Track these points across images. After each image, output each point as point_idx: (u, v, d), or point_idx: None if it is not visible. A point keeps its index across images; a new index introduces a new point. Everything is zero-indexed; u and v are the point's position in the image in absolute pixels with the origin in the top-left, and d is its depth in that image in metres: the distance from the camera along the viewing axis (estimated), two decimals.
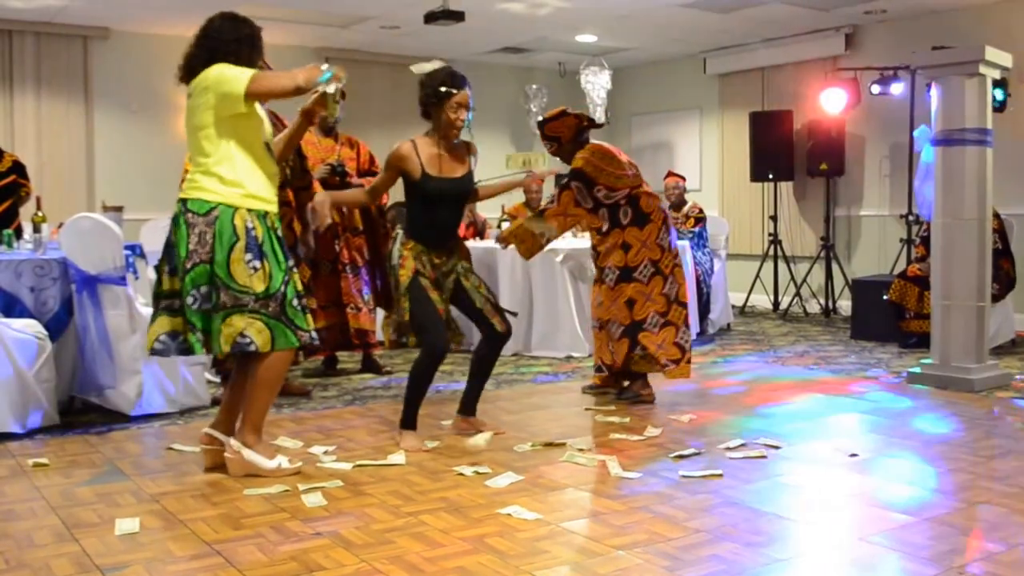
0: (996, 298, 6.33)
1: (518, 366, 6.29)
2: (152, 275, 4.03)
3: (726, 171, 10.13)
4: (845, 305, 8.51)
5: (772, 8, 8.02)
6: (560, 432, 4.38)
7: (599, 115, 9.61)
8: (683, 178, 8.14)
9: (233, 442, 3.64)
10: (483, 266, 6.40)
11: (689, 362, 4.95)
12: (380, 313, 5.95)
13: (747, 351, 6.89)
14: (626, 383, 5.11)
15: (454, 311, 4.27)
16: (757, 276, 9.23)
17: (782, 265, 9.21)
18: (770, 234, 9.18)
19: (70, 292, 4.67)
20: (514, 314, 4.42)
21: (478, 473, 3.67)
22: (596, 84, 9.92)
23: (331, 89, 3.53)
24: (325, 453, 4.00)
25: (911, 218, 7.98)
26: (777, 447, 4.06)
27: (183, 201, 3.54)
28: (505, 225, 7.63)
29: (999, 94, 6.94)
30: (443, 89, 4.02)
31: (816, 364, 6.27)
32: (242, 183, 3.52)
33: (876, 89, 8.17)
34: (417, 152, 4.06)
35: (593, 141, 4.97)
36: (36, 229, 5.25)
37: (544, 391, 5.44)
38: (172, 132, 8.35)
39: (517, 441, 4.18)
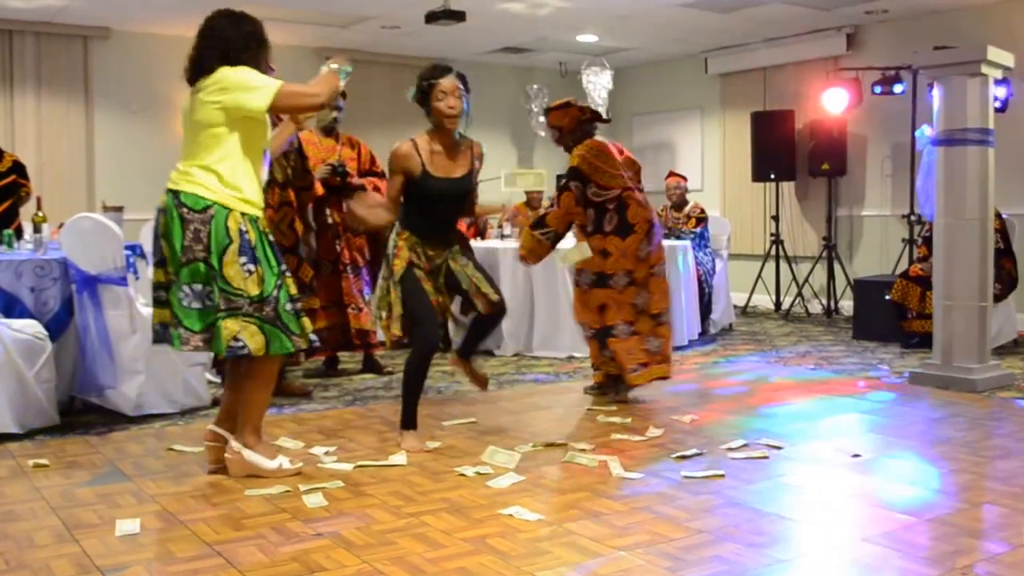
0: (998, 298, 6.32)
1: (519, 366, 6.28)
2: (152, 275, 4.02)
3: (728, 171, 10.12)
4: (847, 305, 8.50)
5: (773, 8, 8.01)
6: (562, 432, 4.37)
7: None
8: (685, 178, 8.14)
9: (234, 443, 3.63)
10: (484, 266, 6.38)
11: (663, 363, 4.95)
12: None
13: (749, 351, 6.88)
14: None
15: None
16: (759, 276, 9.22)
17: (784, 265, 9.20)
18: (772, 234, 9.17)
19: (70, 292, 4.66)
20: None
21: (479, 474, 3.66)
22: (597, 84, 9.92)
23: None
24: (326, 454, 3.99)
25: (913, 218, 7.97)
26: (779, 447, 4.05)
27: (175, 193, 3.46)
28: (502, 224, 7.70)
29: (1001, 93, 6.93)
30: (426, 82, 4.02)
31: (818, 364, 6.26)
32: (240, 187, 3.49)
33: (878, 89, 8.16)
34: (417, 150, 4.06)
35: (595, 138, 4.98)
36: (36, 229, 5.25)
37: (545, 391, 5.43)
38: (172, 132, 8.35)
39: (519, 442, 4.17)
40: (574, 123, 4.98)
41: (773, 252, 9.14)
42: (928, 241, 6.55)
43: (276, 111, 3.58)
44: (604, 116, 5.17)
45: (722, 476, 3.61)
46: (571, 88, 10.34)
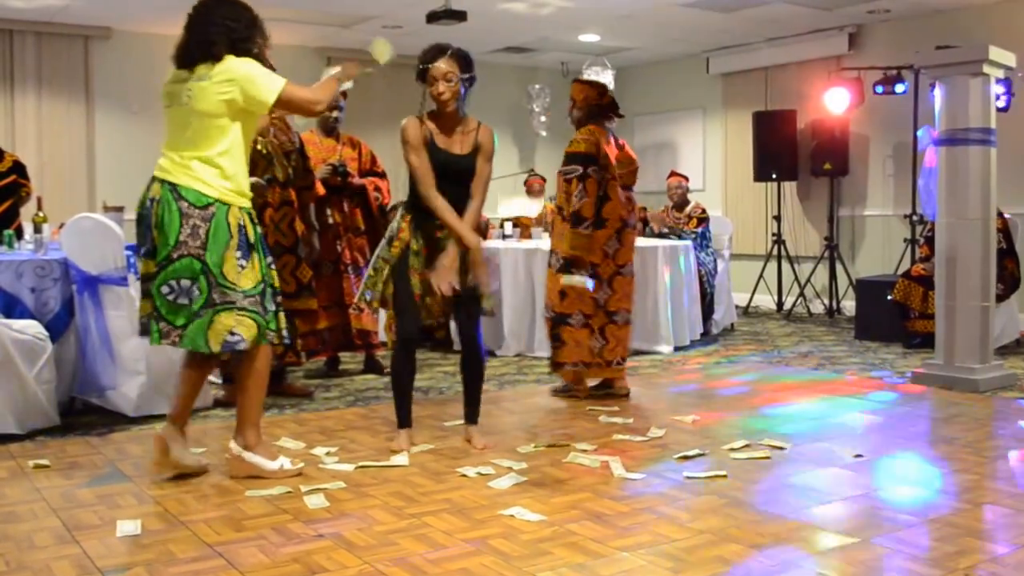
0: (1000, 298, 6.31)
1: (521, 367, 6.27)
2: (141, 266, 4.00)
3: (729, 171, 10.11)
4: (849, 305, 8.49)
5: (775, 8, 8.00)
6: (563, 433, 4.36)
7: None
8: (686, 178, 8.13)
9: (233, 445, 3.62)
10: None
11: (603, 368, 5.00)
12: (382, 314, 5.92)
13: (751, 351, 6.87)
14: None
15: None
16: (761, 276, 9.21)
17: (786, 265, 9.19)
18: (774, 234, 9.16)
19: (71, 293, 4.66)
20: (491, 314, 4.29)
21: (481, 474, 3.66)
22: None
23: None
24: (327, 454, 3.98)
25: (915, 218, 7.96)
26: (781, 448, 4.04)
27: (173, 186, 3.41)
28: (504, 225, 7.71)
29: (1002, 93, 6.92)
30: (421, 65, 4.01)
31: (820, 364, 6.25)
32: (238, 179, 3.49)
33: (880, 88, 8.15)
34: (422, 123, 4.03)
35: (602, 126, 5.03)
36: (37, 229, 5.24)
37: (547, 391, 5.42)
38: None
39: (520, 442, 4.17)
40: (585, 103, 5.05)
41: (775, 252, 9.13)
42: (930, 241, 6.54)
43: (279, 107, 3.58)
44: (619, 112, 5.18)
45: (724, 476, 3.61)
46: None
